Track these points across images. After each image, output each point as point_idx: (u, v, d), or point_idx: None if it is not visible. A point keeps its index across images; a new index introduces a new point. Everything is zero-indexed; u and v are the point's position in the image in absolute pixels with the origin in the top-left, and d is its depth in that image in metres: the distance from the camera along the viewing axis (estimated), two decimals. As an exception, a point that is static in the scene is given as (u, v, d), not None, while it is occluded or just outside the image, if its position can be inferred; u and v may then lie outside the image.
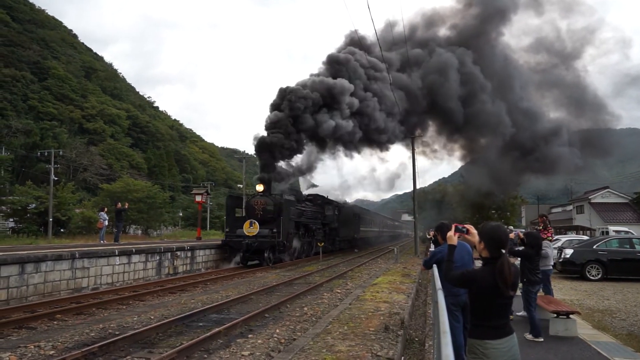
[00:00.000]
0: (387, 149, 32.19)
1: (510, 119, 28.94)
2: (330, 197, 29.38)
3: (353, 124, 24.27)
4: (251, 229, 19.24)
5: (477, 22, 31.37)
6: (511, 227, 15.28)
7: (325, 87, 23.46)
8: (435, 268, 5.53)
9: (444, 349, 2.28)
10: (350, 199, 41.69)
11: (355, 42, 26.63)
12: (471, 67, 29.00)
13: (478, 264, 3.66)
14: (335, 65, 26.05)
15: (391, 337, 6.29)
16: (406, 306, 8.86)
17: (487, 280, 2.83)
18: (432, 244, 13.52)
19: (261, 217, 19.77)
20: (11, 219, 36.14)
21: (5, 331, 7.60)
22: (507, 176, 31.22)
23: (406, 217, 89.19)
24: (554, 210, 61.71)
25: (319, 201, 27.54)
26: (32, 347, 6.50)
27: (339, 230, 29.36)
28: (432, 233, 8.04)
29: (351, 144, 27.52)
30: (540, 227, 9.77)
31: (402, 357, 6.00)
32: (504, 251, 2.90)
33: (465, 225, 3.24)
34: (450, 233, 3.26)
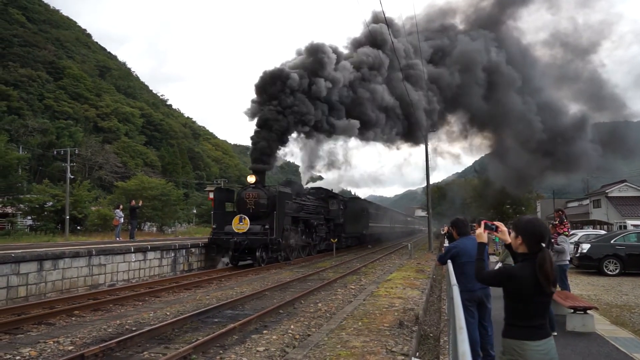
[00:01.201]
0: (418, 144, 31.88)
1: (535, 116, 28.26)
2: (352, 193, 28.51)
3: (395, 128, 23.60)
4: (241, 225, 17.21)
5: (493, 9, 30.90)
6: None
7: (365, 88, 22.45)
8: (449, 264, 5.50)
9: (460, 345, 2.26)
10: (362, 194, 41.18)
11: (376, 33, 25.39)
12: (497, 60, 28.18)
13: (493, 259, 3.61)
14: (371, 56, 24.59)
15: (406, 333, 6.28)
16: (420, 302, 8.83)
17: (527, 278, 2.69)
18: (446, 240, 13.47)
19: (253, 211, 17.73)
20: (29, 217, 36.81)
21: (25, 327, 7.74)
22: (527, 174, 30.56)
23: (419, 213, 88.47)
24: (570, 204, 60.83)
25: (322, 195, 25.55)
26: (52, 342, 6.61)
27: (345, 226, 27.17)
28: (446, 228, 8.00)
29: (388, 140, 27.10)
30: (557, 222, 9.64)
31: (417, 353, 5.98)
32: (544, 245, 2.76)
33: (495, 223, 3.14)
34: (480, 230, 3.15)
